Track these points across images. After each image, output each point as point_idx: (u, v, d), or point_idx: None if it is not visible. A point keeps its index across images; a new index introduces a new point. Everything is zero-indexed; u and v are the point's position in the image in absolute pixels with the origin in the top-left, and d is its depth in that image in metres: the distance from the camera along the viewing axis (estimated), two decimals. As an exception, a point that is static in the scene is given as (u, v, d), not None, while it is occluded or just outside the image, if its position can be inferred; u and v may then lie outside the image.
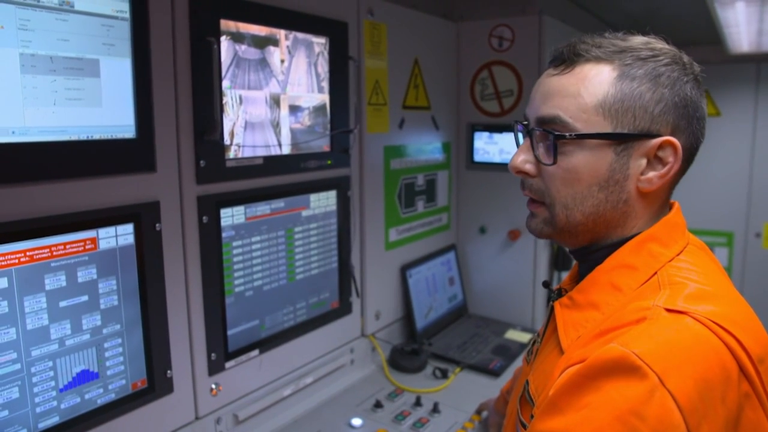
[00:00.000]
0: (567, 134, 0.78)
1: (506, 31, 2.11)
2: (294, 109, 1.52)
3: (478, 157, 2.25)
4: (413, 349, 1.87)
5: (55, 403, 1.06)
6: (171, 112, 1.21)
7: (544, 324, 0.95)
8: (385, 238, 1.93)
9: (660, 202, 0.84)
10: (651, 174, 0.79)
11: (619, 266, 0.81)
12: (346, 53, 1.66)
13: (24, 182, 0.99)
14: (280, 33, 1.45)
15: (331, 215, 1.68)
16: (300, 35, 1.51)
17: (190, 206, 1.28)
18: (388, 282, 1.96)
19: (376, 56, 1.80)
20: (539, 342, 0.95)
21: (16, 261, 0.98)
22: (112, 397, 1.15)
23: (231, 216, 1.38)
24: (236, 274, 1.40)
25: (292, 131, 1.52)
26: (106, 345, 1.13)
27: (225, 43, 1.31)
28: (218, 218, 1.34)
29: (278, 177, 1.50)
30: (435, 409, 1.59)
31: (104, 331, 1.13)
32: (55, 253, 1.04)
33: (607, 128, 0.78)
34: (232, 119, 1.35)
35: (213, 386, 1.36)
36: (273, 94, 1.45)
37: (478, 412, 1.55)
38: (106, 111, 1.09)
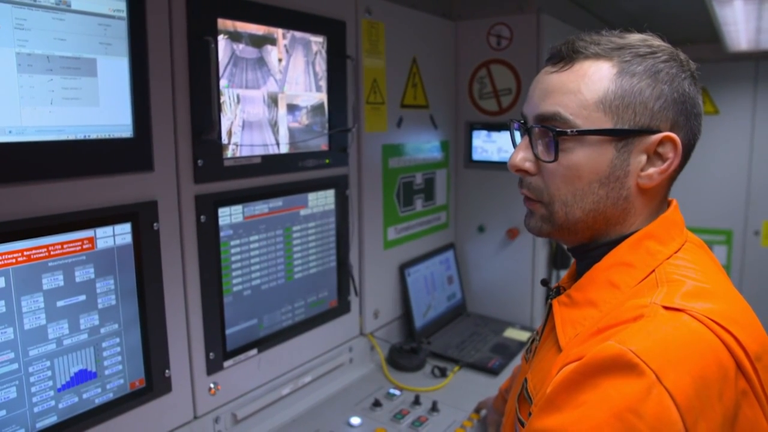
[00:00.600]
0: (568, 130, 0.78)
1: (504, 30, 2.11)
2: (292, 108, 1.52)
3: (477, 155, 2.25)
4: (412, 347, 1.87)
5: (53, 402, 1.06)
6: (168, 112, 1.21)
7: (542, 322, 0.95)
8: (384, 237, 1.93)
9: (659, 198, 0.84)
10: (651, 170, 0.79)
11: (616, 264, 0.81)
12: (344, 52, 1.66)
13: (21, 182, 0.99)
14: (278, 32, 1.45)
15: (329, 214, 1.68)
16: (298, 34, 1.51)
17: (188, 205, 1.28)
18: (386, 281, 1.96)
19: (374, 55, 1.80)
20: (538, 340, 0.95)
21: (14, 261, 0.98)
22: (110, 396, 1.15)
23: (229, 215, 1.38)
24: (234, 274, 1.40)
25: (290, 130, 1.52)
26: (104, 344, 1.13)
27: (222, 42, 1.31)
28: (216, 217, 1.34)
29: (276, 176, 1.49)
30: (434, 408, 1.59)
31: (102, 330, 1.13)
32: (52, 253, 1.04)
33: (608, 124, 0.78)
34: (230, 118, 1.35)
35: (211, 385, 1.36)
36: (271, 93, 1.45)
37: (477, 410, 1.55)
38: (104, 110, 1.09)
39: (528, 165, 0.84)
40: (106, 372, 1.14)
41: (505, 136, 2.17)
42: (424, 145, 2.11)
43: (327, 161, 1.64)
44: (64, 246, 1.05)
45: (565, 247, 0.91)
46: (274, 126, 1.47)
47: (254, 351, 1.46)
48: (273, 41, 1.44)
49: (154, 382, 1.22)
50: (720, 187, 3.29)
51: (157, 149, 1.19)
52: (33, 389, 1.03)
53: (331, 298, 1.71)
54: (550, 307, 0.89)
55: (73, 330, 1.08)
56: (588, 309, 0.80)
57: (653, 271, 0.78)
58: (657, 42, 0.81)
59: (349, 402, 1.64)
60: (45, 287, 1.03)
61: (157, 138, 1.19)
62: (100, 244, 1.11)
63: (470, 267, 2.32)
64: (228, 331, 1.39)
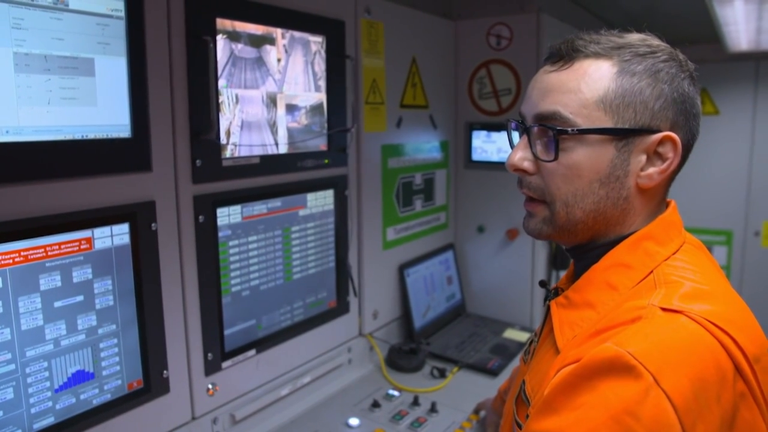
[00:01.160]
0: (569, 129, 0.78)
1: (504, 30, 2.11)
2: (291, 108, 1.51)
3: (476, 156, 2.24)
4: (411, 348, 1.87)
5: (50, 403, 1.05)
6: (167, 112, 1.21)
7: (541, 323, 0.95)
8: (383, 238, 1.93)
9: (657, 199, 0.84)
10: (651, 170, 0.79)
11: (614, 265, 0.81)
12: (343, 52, 1.66)
13: (18, 182, 0.98)
14: (277, 32, 1.45)
15: (328, 214, 1.68)
16: (297, 34, 1.50)
17: (186, 206, 1.28)
18: (385, 281, 1.95)
19: (373, 55, 1.80)
20: (536, 341, 0.94)
21: (11, 261, 0.98)
22: (108, 397, 1.15)
23: (227, 215, 1.37)
24: (233, 274, 1.40)
25: (289, 130, 1.52)
26: (101, 345, 1.13)
27: (221, 41, 1.31)
28: (214, 218, 1.34)
29: (275, 176, 1.49)
30: (433, 409, 1.59)
31: (100, 331, 1.12)
32: (50, 253, 1.04)
33: (608, 123, 0.77)
34: (229, 118, 1.35)
35: (210, 386, 1.35)
36: (270, 93, 1.45)
37: (476, 411, 1.55)
38: (102, 110, 1.08)
39: (526, 164, 0.83)
40: (104, 373, 1.14)
41: (504, 136, 2.15)
42: (423, 146, 2.10)
43: (326, 161, 1.64)
44: (62, 246, 1.05)
45: (564, 247, 0.91)
46: (272, 126, 1.46)
47: (253, 352, 1.46)
48: (272, 41, 1.44)
49: (152, 382, 1.22)
50: (720, 187, 3.28)
51: (155, 149, 1.19)
52: (30, 390, 1.02)
53: (330, 299, 1.71)
54: (548, 308, 0.89)
55: (70, 330, 1.08)
56: (586, 310, 0.80)
57: (651, 272, 0.78)
58: (656, 42, 0.81)
59: (347, 403, 1.64)
60: (42, 288, 1.03)
61: (155, 138, 1.19)
62: (98, 245, 1.11)
63: (470, 267, 2.32)
64: (226, 332, 1.39)
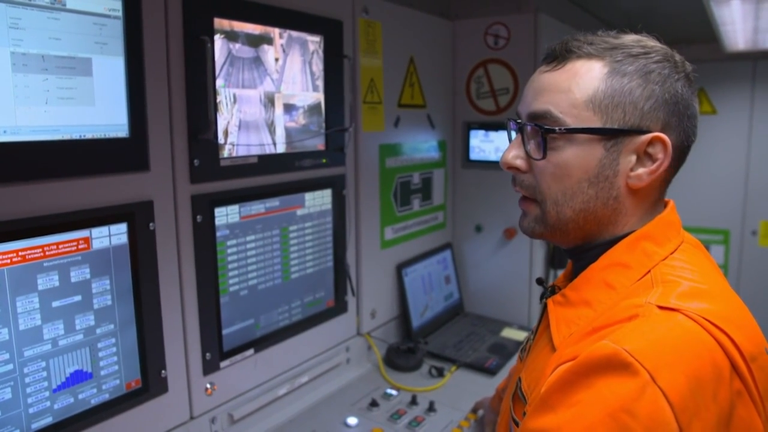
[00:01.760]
0: (557, 128, 0.79)
1: (502, 29, 2.11)
2: (289, 108, 1.51)
3: (474, 155, 2.25)
4: (409, 347, 1.87)
5: (48, 403, 1.05)
6: (164, 111, 1.21)
7: (537, 321, 0.95)
8: (381, 237, 1.93)
9: (651, 199, 0.84)
10: (640, 170, 0.79)
11: (612, 264, 0.81)
12: (341, 51, 1.66)
13: (16, 182, 0.98)
14: (275, 31, 1.45)
15: (326, 214, 1.68)
16: (294, 33, 1.51)
17: (184, 205, 1.28)
18: (383, 281, 1.95)
19: (371, 54, 1.80)
20: (532, 339, 0.95)
21: (8, 261, 0.98)
22: (106, 397, 1.15)
23: (225, 215, 1.37)
24: (231, 274, 1.40)
25: (287, 130, 1.52)
26: (99, 345, 1.13)
27: (219, 41, 1.31)
28: (212, 217, 1.34)
29: (273, 176, 1.49)
30: (431, 408, 1.59)
31: (98, 331, 1.12)
32: (47, 253, 1.03)
33: (597, 123, 0.78)
34: (227, 118, 1.35)
35: (208, 386, 1.35)
36: (267, 92, 1.45)
37: (474, 410, 1.55)
38: (99, 110, 1.08)
39: (519, 162, 0.84)
40: (102, 372, 1.14)
41: (502, 135, 2.17)
42: (421, 145, 2.10)
43: (324, 161, 1.64)
44: (60, 246, 1.05)
45: (562, 248, 0.91)
46: (270, 126, 1.47)
47: (251, 351, 1.46)
48: (270, 41, 1.44)
49: (150, 382, 1.22)
50: (717, 186, 3.29)
51: (153, 149, 1.19)
52: (28, 390, 1.02)
53: (328, 298, 1.71)
54: (545, 306, 0.89)
55: (68, 330, 1.08)
56: (583, 308, 0.80)
57: (649, 271, 0.78)
58: (652, 43, 0.81)
59: (345, 402, 1.64)
60: (40, 287, 1.03)
61: (153, 138, 1.18)
62: (96, 245, 1.11)
63: (467, 267, 2.32)
64: (224, 332, 1.39)
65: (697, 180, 3.25)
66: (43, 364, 1.04)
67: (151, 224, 1.20)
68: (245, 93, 1.39)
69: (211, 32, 1.28)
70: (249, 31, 1.38)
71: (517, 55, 2.10)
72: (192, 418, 1.33)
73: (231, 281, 1.40)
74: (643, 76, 0.78)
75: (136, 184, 1.17)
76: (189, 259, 1.30)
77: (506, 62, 2.12)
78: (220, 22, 1.31)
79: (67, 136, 1.04)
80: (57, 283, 1.05)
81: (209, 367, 1.35)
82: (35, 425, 1.04)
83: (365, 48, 1.77)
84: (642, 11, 2.60)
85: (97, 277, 1.11)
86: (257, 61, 1.41)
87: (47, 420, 1.05)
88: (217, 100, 1.31)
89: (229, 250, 1.39)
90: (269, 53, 1.44)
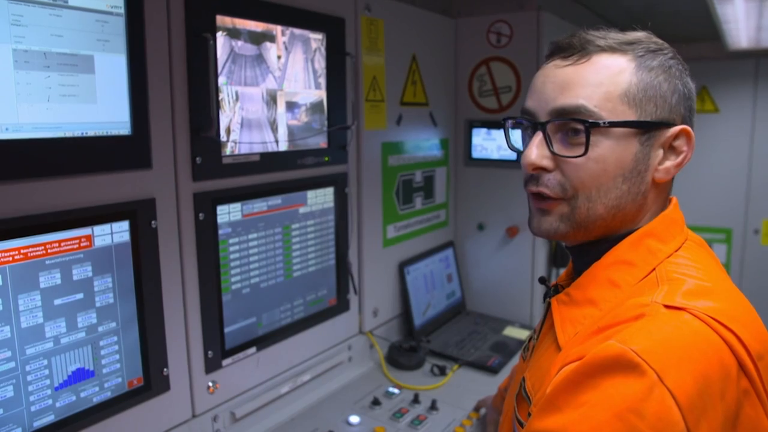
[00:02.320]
0: (601, 122, 0.76)
1: (504, 27, 2.10)
2: (291, 106, 1.51)
3: (476, 153, 2.24)
4: (411, 346, 1.87)
5: (50, 401, 1.05)
6: (167, 109, 1.20)
7: (540, 320, 0.95)
8: (383, 235, 1.92)
9: (665, 194, 0.85)
10: (667, 163, 0.80)
11: (617, 262, 0.81)
12: (344, 49, 1.65)
13: (18, 179, 0.98)
14: (277, 29, 1.44)
15: (328, 212, 1.67)
16: (297, 31, 1.50)
17: (187, 203, 1.27)
18: (385, 279, 1.95)
19: (373, 52, 1.79)
20: (536, 339, 0.94)
21: (11, 258, 0.98)
22: (108, 395, 1.14)
23: (227, 213, 1.37)
24: (233, 272, 1.40)
25: (289, 128, 1.51)
26: (101, 343, 1.12)
27: (221, 39, 1.30)
28: (215, 215, 1.34)
29: (275, 174, 1.49)
30: (433, 407, 1.59)
31: (100, 329, 1.12)
32: (49, 251, 1.03)
33: (632, 117, 0.77)
34: (229, 116, 1.34)
35: (210, 384, 1.35)
36: (270, 90, 1.44)
37: (476, 409, 1.55)
38: (101, 107, 1.08)
39: (546, 162, 0.80)
40: (104, 370, 1.13)
41: (505, 134, 2.16)
42: (423, 143, 2.10)
43: (326, 159, 1.63)
44: (62, 244, 1.05)
45: (564, 245, 0.90)
46: (273, 123, 1.46)
47: (253, 349, 1.46)
48: (272, 38, 1.43)
49: (152, 380, 1.21)
50: (720, 185, 3.28)
51: (155, 147, 1.19)
52: (30, 388, 1.02)
53: (330, 297, 1.70)
54: (549, 305, 0.89)
55: (70, 328, 1.07)
56: (588, 308, 0.80)
57: (654, 269, 0.78)
58: (659, 40, 0.82)
59: (348, 400, 1.64)
60: (42, 285, 1.02)
61: (155, 135, 1.18)
62: (98, 242, 1.11)
63: (470, 265, 2.32)
64: (226, 330, 1.39)
65: (699, 179, 3.24)
66: (45, 362, 1.04)
67: (153, 222, 1.19)
68: (247, 91, 1.38)
69: (213, 29, 1.28)
70: (251, 28, 1.37)
71: (519, 53, 2.09)
72: (194, 416, 1.33)
73: (233, 279, 1.40)
74: (666, 71, 0.79)
75: (138, 181, 1.17)
76: (191, 257, 1.29)
77: (509, 60, 2.11)
78: (222, 20, 1.30)
79: (69, 134, 1.04)
80: (59, 281, 1.05)
81: (211, 366, 1.35)
82: (37, 423, 1.03)
83: (368, 46, 1.77)
84: (645, 9, 2.59)
85: (99, 275, 1.11)
86: (259, 59, 1.41)
87: (49, 418, 1.05)
88: (220, 98, 1.31)
89: (231, 248, 1.39)
90: (272, 51, 1.44)
